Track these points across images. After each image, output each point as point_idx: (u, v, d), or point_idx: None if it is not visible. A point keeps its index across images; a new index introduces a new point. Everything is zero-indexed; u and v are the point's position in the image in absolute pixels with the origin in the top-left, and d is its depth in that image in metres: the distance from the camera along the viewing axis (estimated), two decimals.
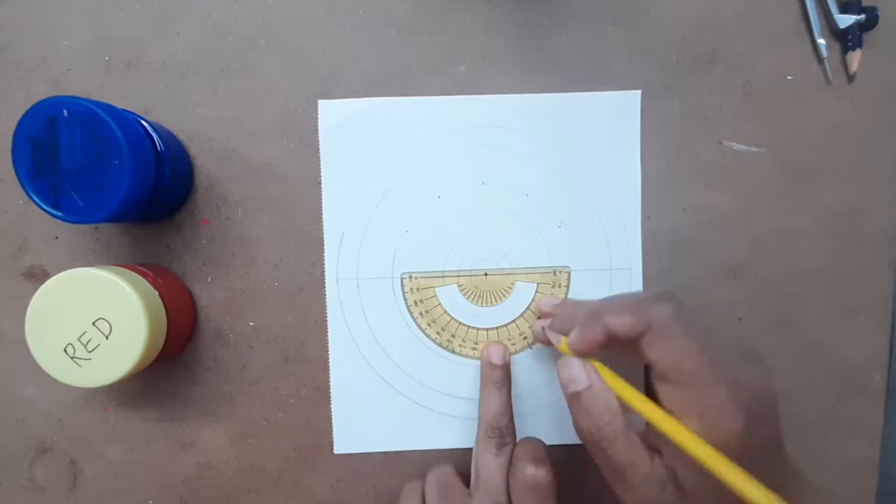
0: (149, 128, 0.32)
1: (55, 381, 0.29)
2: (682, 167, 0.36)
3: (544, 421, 0.37)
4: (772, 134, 0.36)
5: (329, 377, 0.36)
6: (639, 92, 0.36)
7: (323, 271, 0.36)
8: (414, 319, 0.36)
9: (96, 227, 0.35)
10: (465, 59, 0.36)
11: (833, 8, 0.35)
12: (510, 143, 0.36)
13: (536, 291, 0.36)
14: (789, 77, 0.36)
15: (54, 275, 0.29)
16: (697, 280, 0.37)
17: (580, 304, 0.33)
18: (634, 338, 0.26)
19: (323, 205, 0.36)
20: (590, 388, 0.27)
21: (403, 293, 0.36)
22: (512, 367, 0.36)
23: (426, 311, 0.36)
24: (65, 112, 0.27)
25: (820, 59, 0.36)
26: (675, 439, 0.24)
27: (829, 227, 0.37)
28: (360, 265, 0.36)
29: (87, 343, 0.28)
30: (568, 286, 0.36)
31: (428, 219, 0.36)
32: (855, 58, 0.36)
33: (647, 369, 0.27)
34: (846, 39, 0.36)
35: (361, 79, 0.35)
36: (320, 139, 0.35)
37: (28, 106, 0.27)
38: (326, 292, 0.36)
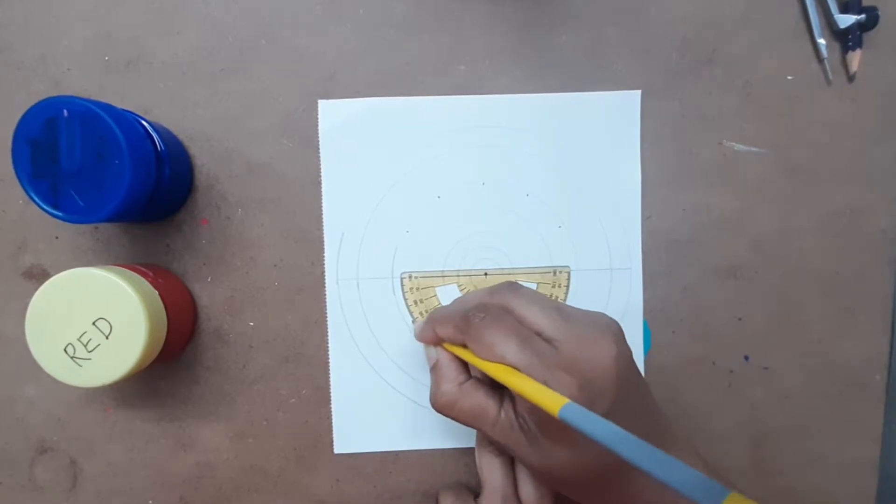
0: (149, 128, 0.32)
1: (55, 381, 0.28)
2: (682, 167, 0.36)
3: None
4: (772, 134, 0.36)
5: (329, 377, 0.36)
6: (639, 92, 0.36)
7: (323, 271, 0.36)
8: (414, 319, 0.36)
9: (96, 227, 0.35)
10: (465, 59, 0.36)
11: (833, 8, 0.35)
12: (510, 143, 0.36)
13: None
14: (789, 77, 0.36)
15: (54, 275, 0.29)
16: (697, 280, 0.37)
17: (455, 302, 0.33)
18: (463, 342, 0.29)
19: (323, 205, 0.36)
20: (436, 363, 0.31)
21: (403, 293, 0.36)
22: None
23: (426, 311, 0.36)
24: (65, 112, 0.27)
25: (820, 59, 0.36)
26: (495, 377, 0.27)
27: (829, 227, 0.37)
28: (360, 265, 0.36)
29: (87, 343, 0.28)
30: (568, 286, 0.36)
31: (428, 219, 0.36)
32: (855, 58, 0.36)
33: None
34: (846, 39, 0.36)
35: (361, 79, 0.35)
36: (320, 139, 0.35)
37: (28, 106, 0.27)
38: (326, 292, 0.36)
